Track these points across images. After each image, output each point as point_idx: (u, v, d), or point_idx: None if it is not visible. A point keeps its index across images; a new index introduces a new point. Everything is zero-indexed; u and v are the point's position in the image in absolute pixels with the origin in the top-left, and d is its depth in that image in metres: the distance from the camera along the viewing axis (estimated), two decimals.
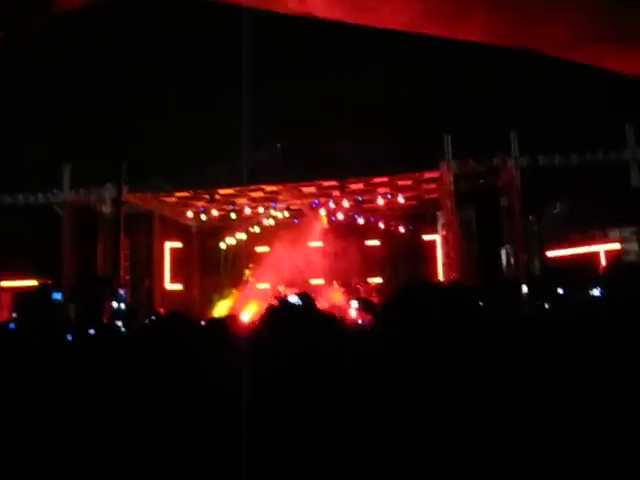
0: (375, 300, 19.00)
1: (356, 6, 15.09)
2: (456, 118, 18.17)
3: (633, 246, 18.65)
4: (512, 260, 20.05)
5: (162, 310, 19.62)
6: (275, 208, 22.88)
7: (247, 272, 23.25)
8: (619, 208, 18.23)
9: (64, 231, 21.18)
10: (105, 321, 12.09)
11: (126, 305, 18.67)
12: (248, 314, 18.95)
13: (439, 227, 22.30)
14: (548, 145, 19.00)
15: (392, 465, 2.27)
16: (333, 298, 20.28)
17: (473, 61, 16.47)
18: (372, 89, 17.97)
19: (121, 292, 20.02)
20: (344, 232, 22.81)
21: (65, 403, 2.96)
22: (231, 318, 5.38)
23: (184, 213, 23.13)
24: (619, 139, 19.05)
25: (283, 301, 3.64)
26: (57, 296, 17.71)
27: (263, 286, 22.47)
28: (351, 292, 21.79)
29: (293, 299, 4.20)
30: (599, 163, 18.98)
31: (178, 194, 21.55)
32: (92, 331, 6.41)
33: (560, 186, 19.13)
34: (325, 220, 23.13)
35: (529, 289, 14.99)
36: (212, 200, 21.52)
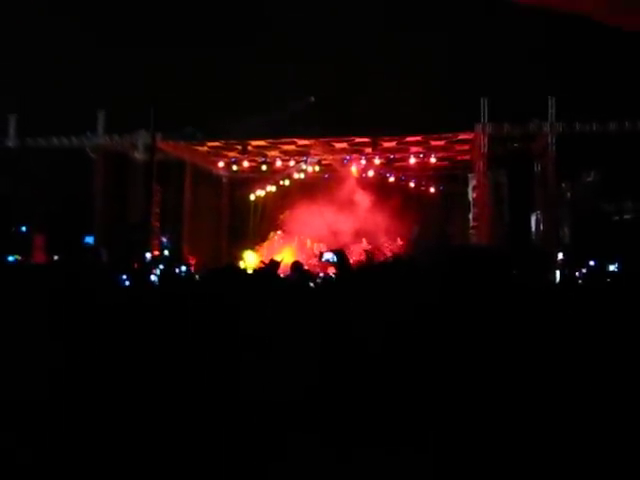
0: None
1: None
2: (494, 81, 17.92)
3: None
4: (541, 227, 19.91)
5: (192, 259, 19.84)
6: (306, 162, 22.82)
7: (275, 225, 23.33)
8: None
9: (97, 175, 21.32)
10: (136, 267, 12.22)
11: (169, 252, 18.84)
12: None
13: (470, 189, 22.13)
14: (586, 112, 18.71)
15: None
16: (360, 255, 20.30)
17: (516, 24, 16.18)
18: (413, 47, 17.72)
19: (164, 239, 20.28)
20: (374, 190, 22.72)
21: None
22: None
23: (216, 163, 23.18)
24: None
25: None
26: (89, 239, 17.98)
27: (291, 239, 22.56)
28: (378, 250, 21.82)
29: (328, 255, 4.25)
30: (636, 132, 18.66)
31: (210, 144, 21.57)
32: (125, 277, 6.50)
33: (596, 155, 18.88)
34: (356, 176, 23.05)
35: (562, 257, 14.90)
36: (244, 151, 21.53)
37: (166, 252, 19.20)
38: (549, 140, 19.07)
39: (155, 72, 18.05)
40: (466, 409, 2.31)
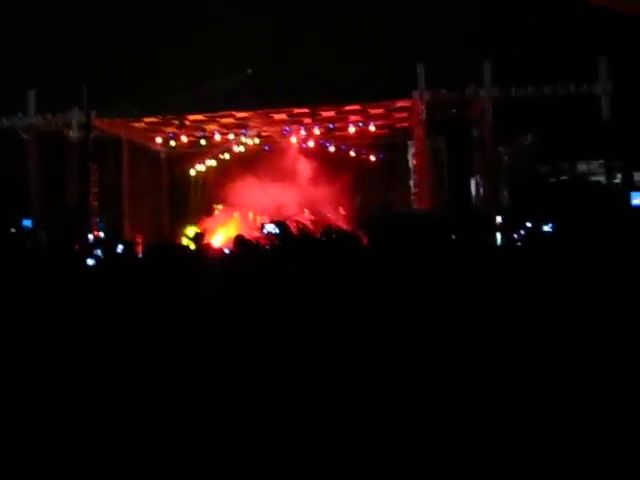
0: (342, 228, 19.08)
1: None
2: (430, 47, 18.01)
3: (600, 179, 18.87)
4: (481, 191, 20.19)
5: (138, 238, 19.53)
6: (246, 135, 22.65)
7: (217, 200, 23.15)
8: (589, 141, 18.35)
9: (30, 156, 20.83)
10: (77, 248, 11.98)
11: (105, 232, 18.55)
12: (218, 240, 18.96)
13: (410, 156, 22.29)
14: (521, 76, 18.95)
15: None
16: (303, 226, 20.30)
17: None
18: (349, 16, 17.68)
19: (97, 220, 19.93)
20: (315, 160, 22.69)
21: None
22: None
23: (153, 139, 22.83)
24: (591, 72, 19.01)
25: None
26: (27, 223, 17.57)
27: (233, 213, 22.44)
28: (322, 220, 21.84)
29: (270, 227, 4.22)
30: (571, 96, 18.97)
31: (147, 119, 21.23)
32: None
33: (531, 118, 19.16)
34: (296, 147, 22.98)
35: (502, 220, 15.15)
36: (182, 126, 21.24)
37: (102, 234, 18.89)
38: (486, 105, 19.28)
39: (87, 49, 17.66)
40: (417, 388, 2.31)
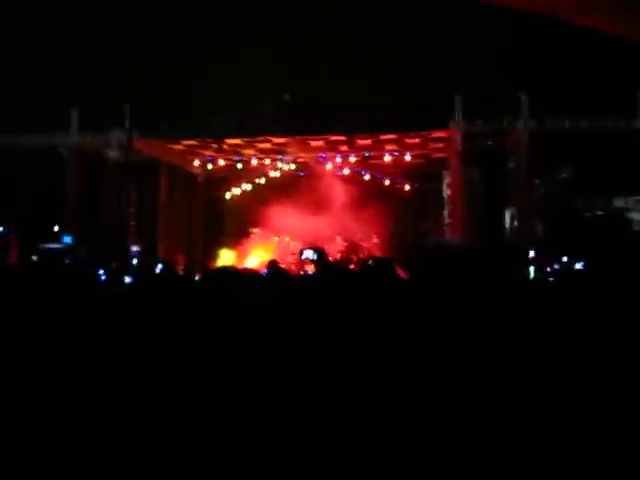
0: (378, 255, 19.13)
1: None
2: (468, 79, 18.08)
3: (637, 215, 18.70)
4: (515, 223, 20.12)
5: (180, 259, 19.80)
6: (282, 160, 22.83)
7: (252, 224, 23.32)
8: (626, 176, 18.24)
9: (70, 175, 21.15)
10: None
11: (138, 261, 18.80)
12: (253, 263, 19.09)
13: (445, 187, 22.31)
14: (558, 110, 18.94)
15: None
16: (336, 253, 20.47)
17: (488, 22, 16.34)
18: (386, 46, 17.82)
19: (134, 248, 20.18)
20: (350, 187, 22.76)
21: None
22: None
23: (191, 162, 23.11)
24: (630, 107, 18.96)
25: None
26: (67, 239, 17.86)
27: (268, 237, 22.57)
28: (354, 248, 21.95)
29: (308, 253, 4.31)
30: (608, 130, 18.91)
31: (185, 142, 21.50)
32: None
33: (567, 152, 19.10)
34: (332, 174, 23.09)
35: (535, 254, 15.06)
36: (219, 149, 21.47)
37: (135, 261, 19.15)
38: (522, 137, 19.27)
39: (129, 70, 17.99)
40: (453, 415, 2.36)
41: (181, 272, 13.74)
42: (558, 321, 2.76)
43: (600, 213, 19.55)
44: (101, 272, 6.72)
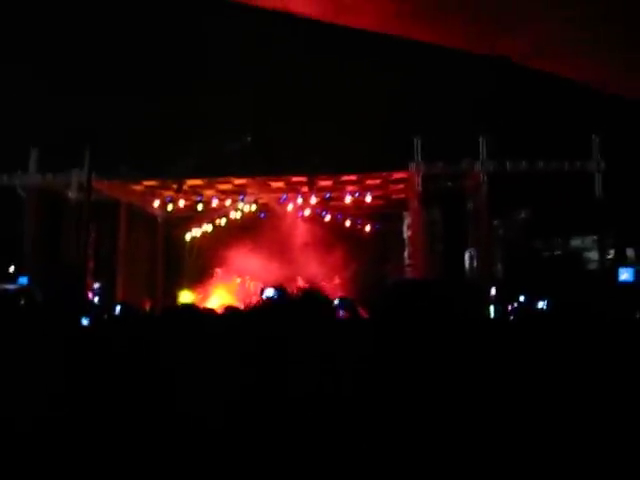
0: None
1: (335, 5, 15.19)
2: (427, 121, 18.34)
3: (594, 255, 19.01)
4: (475, 263, 20.30)
5: (146, 303, 19.64)
6: (243, 201, 22.82)
7: (212, 265, 23.21)
8: (582, 217, 18.57)
9: (28, 214, 20.90)
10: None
11: (100, 299, 18.59)
12: (213, 305, 18.90)
13: (405, 227, 22.47)
14: (515, 151, 19.27)
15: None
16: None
17: (446, 65, 16.66)
18: (345, 88, 18.04)
19: (96, 285, 19.94)
20: (311, 228, 22.83)
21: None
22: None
23: (151, 202, 22.97)
24: (584, 149, 19.37)
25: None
26: (23, 280, 17.55)
27: (229, 278, 22.46)
28: (315, 288, 21.90)
29: (270, 292, 4.26)
30: (564, 172, 19.28)
31: (145, 182, 21.41)
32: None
33: (526, 193, 19.42)
34: (292, 215, 23.14)
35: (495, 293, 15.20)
36: (180, 190, 21.36)
37: (96, 299, 18.95)
38: (481, 178, 19.54)
39: (89, 111, 17.92)
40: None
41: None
42: (517, 358, 2.78)
43: (558, 253, 19.83)
44: (58, 312, 6.53)
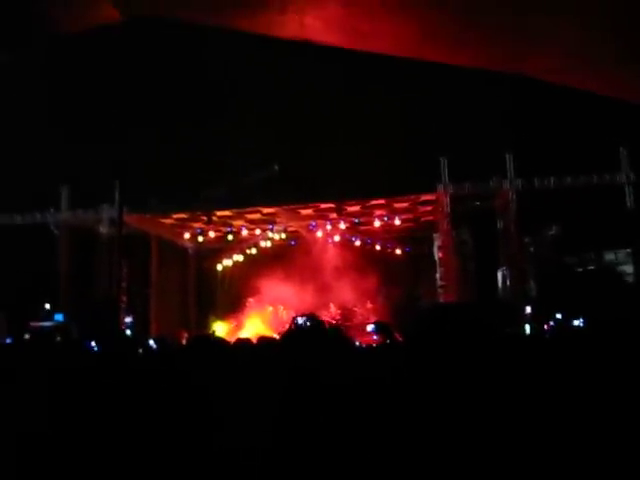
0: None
1: (354, 32, 15.26)
2: (453, 141, 18.31)
3: (628, 268, 18.76)
4: (508, 282, 20.13)
5: (183, 333, 19.77)
6: (272, 230, 22.92)
7: (244, 294, 23.27)
8: (614, 230, 18.35)
9: (61, 251, 21.17)
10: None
11: (132, 332, 18.74)
12: (247, 334, 18.96)
13: (435, 249, 22.38)
14: (543, 168, 19.15)
15: None
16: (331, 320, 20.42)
17: (470, 85, 16.64)
18: (369, 113, 18.08)
19: (128, 319, 20.09)
20: (341, 254, 22.81)
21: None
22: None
23: (181, 235, 23.16)
24: (613, 162, 19.20)
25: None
26: (58, 317, 17.74)
27: (261, 308, 22.50)
28: (348, 314, 21.89)
29: (301, 320, 4.25)
30: (593, 185, 19.11)
31: (175, 215, 21.59)
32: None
33: (555, 209, 19.25)
34: (322, 241, 23.16)
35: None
36: (209, 222, 21.51)
37: (128, 332, 19.09)
38: (509, 196, 19.44)
39: (118, 146, 18.14)
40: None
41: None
42: (554, 375, 2.75)
43: (591, 268, 19.58)
44: (94, 346, 6.64)
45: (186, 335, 20.96)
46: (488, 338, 2.72)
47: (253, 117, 18.87)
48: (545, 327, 14.59)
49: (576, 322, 12.20)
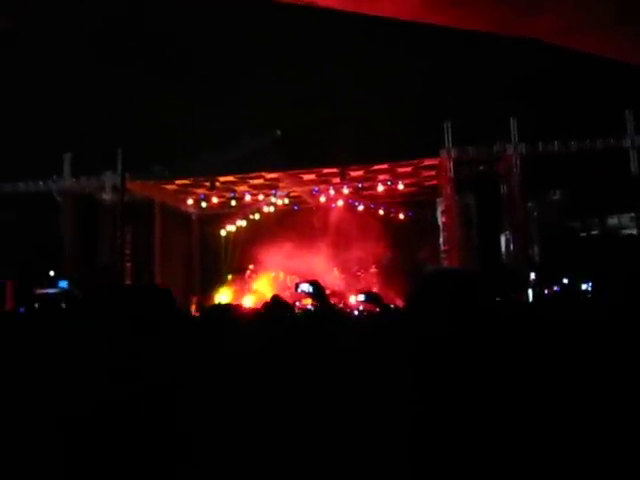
0: (375, 288, 19.12)
1: None
2: (456, 105, 18.20)
3: (632, 232, 18.72)
4: (511, 247, 20.12)
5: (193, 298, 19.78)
6: (275, 195, 22.88)
7: (248, 260, 23.30)
8: (618, 194, 18.30)
9: (64, 219, 21.19)
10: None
11: None
12: (250, 300, 19.06)
13: (438, 214, 22.34)
14: (548, 132, 19.05)
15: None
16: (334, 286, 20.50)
17: (474, 48, 16.50)
18: (373, 76, 17.96)
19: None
20: (344, 219, 22.77)
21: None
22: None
23: (184, 201, 23.14)
24: (618, 126, 19.07)
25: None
26: (63, 284, 17.81)
27: (264, 273, 22.54)
28: (352, 279, 21.94)
29: (304, 286, 4.25)
30: (598, 150, 19.01)
31: (178, 182, 21.55)
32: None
33: (559, 173, 19.18)
34: (325, 206, 23.12)
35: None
36: (212, 187, 21.48)
37: None
38: (513, 161, 19.35)
39: (121, 113, 18.08)
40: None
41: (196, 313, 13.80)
42: (564, 343, 2.73)
43: (595, 232, 19.56)
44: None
45: (195, 300, 21.08)
46: (491, 305, 2.73)
47: (256, 82, 18.76)
48: (546, 292, 14.62)
49: (584, 286, 12.20)
